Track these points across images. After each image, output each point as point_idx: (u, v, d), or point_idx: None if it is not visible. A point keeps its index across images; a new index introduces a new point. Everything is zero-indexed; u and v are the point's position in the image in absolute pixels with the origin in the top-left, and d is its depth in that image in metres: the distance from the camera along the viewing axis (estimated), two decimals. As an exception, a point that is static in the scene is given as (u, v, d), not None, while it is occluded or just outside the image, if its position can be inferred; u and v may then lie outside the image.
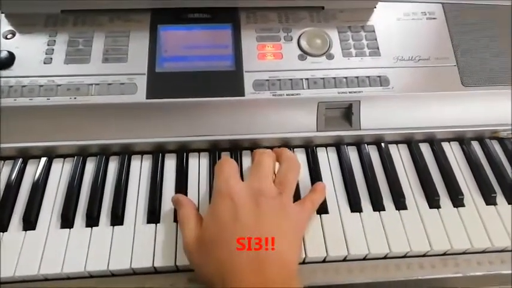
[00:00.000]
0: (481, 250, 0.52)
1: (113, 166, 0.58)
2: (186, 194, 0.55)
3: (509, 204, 0.56)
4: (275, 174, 0.53)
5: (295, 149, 0.60)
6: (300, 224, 0.49)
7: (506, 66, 0.63)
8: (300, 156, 0.60)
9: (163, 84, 0.58)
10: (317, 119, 0.60)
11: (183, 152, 0.59)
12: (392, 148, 0.61)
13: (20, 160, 0.57)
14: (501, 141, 0.63)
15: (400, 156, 0.61)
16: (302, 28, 0.63)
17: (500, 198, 0.57)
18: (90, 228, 0.51)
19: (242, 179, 0.54)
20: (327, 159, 0.60)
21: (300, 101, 0.59)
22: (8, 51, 0.59)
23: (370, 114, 0.60)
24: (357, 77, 0.60)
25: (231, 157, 0.59)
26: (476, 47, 0.64)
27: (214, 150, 0.59)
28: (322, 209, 0.54)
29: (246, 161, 0.59)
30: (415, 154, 0.60)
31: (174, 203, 0.52)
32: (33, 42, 0.60)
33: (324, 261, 0.51)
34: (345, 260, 0.51)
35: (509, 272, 0.51)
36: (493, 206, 0.56)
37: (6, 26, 0.61)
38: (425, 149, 0.61)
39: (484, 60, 0.63)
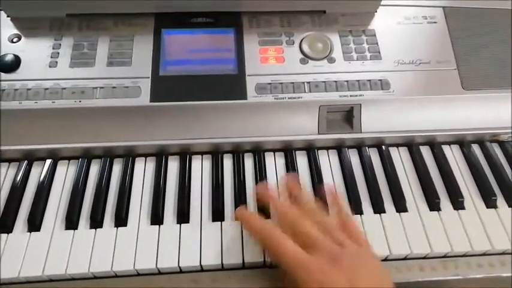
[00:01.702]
0: (481, 253, 0.53)
1: (117, 168, 0.58)
2: (189, 196, 0.56)
3: (509, 207, 0.56)
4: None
5: (296, 152, 0.61)
6: (369, 254, 0.47)
7: (507, 70, 0.63)
8: (302, 159, 0.60)
9: (167, 87, 0.59)
10: (318, 122, 0.60)
11: (186, 154, 0.59)
12: (393, 151, 0.62)
13: (25, 162, 0.58)
14: (501, 144, 0.63)
15: (401, 159, 0.61)
16: (304, 32, 0.64)
17: (500, 201, 0.57)
18: (94, 229, 0.52)
19: (242, 179, 0.56)
20: (328, 162, 0.60)
21: (302, 105, 0.59)
22: (14, 55, 0.59)
23: (371, 118, 0.60)
24: (358, 81, 0.60)
25: (233, 160, 0.59)
26: (477, 51, 0.64)
27: (216, 153, 0.60)
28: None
29: (248, 163, 0.59)
30: (415, 157, 0.61)
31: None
32: (39, 45, 0.61)
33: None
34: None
35: (509, 274, 0.52)
36: (493, 209, 0.56)
37: (12, 30, 0.62)
38: (425, 152, 0.62)
39: (485, 64, 0.63)
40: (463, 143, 0.63)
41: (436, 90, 0.61)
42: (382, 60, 0.62)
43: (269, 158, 0.60)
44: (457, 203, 0.56)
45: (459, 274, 0.51)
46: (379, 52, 0.63)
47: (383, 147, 0.61)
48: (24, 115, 0.57)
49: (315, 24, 0.65)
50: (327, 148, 0.61)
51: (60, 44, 0.61)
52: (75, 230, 0.52)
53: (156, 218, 0.53)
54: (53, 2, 0.61)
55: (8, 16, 0.63)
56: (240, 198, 0.55)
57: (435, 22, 0.66)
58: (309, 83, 0.60)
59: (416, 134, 0.61)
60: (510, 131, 0.62)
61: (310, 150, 0.61)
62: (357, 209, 0.55)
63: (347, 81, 0.60)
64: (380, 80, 0.61)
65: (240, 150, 0.60)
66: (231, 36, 0.63)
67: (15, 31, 0.62)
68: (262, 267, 0.51)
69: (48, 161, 0.58)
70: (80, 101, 0.57)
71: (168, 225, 0.53)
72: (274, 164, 0.60)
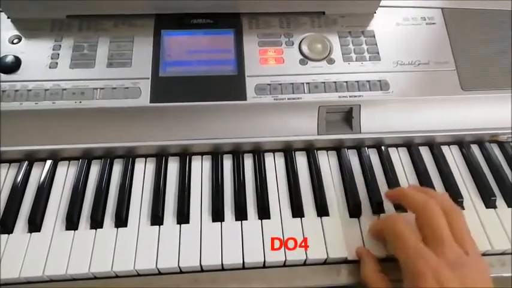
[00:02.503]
0: (481, 253, 0.52)
1: (117, 169, 0.59)
2: (189, 197, 0.56)
3: (509, 207, 0.57)
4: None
5: (296, 152, 0.61)
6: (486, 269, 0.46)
7: (505, 70, 0.64)
8: (301, 159, 0.60)
9: (167, 88, 0.59)
10: (318, 123, 0.60)
11: (186, 155, 0.60)
12: (393, 151, 0.62)
13: (26, 163, 0.58)
14: (501, 144, 0.63)
15: (400, 160, 0.61)
16: (303, 33, 0.64)
17: (500, 202, 0.57)
18: (94, 230, 0.52)
19: (242, 179, 0.56)
20: (328, 163, 0.60)
21: (301, 105, 0.60)
22: (14, 56, 0.60)
23: (371, 118, 0.60)
24: (357, 82, 0.61)
25: (233, 160, 0.60)
26: (476, 52, 0.64)
27: (216, 154, 0.60)
28: (323, 212, 0.55)
29: (248, 164, 0.60)
30: (415, 157, 0.61)
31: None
32: (39, 47, 0.61)
33: (325, 262, 0.51)
34: (345, 261, 0.52)
35: (509, 274, 0.52)
36: (492, 209, 0.56)
37: (13, 31, 0.62)
38: (425, 153, 0.62)
39: (483, 64, 0.64)
40: (462, 144, 0.63)
41: (435, 91, 0.61)
42: (381, 61, 0.63)
43: (269, 159, 0.60)
44: (456, 203, 0.55)
45: (458, 274, 0.51)
46: (378, 53, 0.63)
47: (382, 147, 0.62)
48: (24, 116, 0.57)
49: (314, 25, 0.65)
50: (327, 149, 0.62)
51: (60, 45, 0.61)
52: (76, 231, 0.52)
53: (156, 218, 0.53)
54: (53, 3, 0.61)
55: (8, 17, 0.63)
56: (240, 199, 0.55)
57: (434, 23, 0.67)
58: (308, 83, 0.60)
59: (416, 135, 0.62)
60: (509, 131, 0.62)
61: (310, 150, 0.61)
62: (356, 210, 0.55)
63: (346, 82, 0.61)
64: (379, 80, 0.61)
65: (239, 150, 0.60)
66: (230, 37, 0.63)
67: (16, 32, 0.62)
68: (260, 268, 0.51)
69: (49, 162, 0.58)
70: (80, 102, 0.58)
71: (168, 226, 0.53)
72: (274, 164, 0.60)
